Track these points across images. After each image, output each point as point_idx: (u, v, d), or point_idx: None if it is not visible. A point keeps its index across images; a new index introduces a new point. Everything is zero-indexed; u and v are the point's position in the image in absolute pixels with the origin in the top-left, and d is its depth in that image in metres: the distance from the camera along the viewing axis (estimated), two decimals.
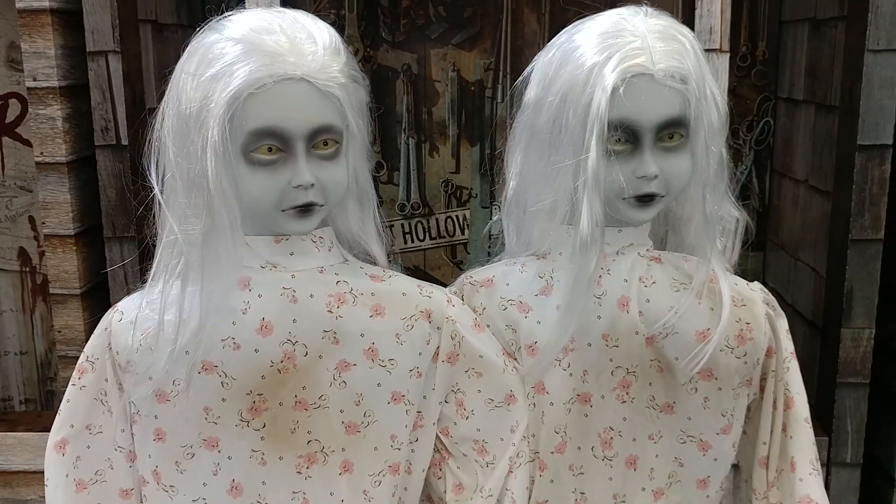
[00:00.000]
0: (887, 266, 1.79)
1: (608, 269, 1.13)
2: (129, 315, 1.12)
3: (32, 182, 2.47)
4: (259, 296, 1.08)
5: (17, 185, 2.48)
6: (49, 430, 1.82)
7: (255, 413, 1.08)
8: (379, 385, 1.11)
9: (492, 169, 2.36)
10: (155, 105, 1.89)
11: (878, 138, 1.71)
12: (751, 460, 1.22)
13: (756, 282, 1.20)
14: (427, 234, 2.50)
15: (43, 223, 1.81)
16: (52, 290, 1.84)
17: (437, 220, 2.50)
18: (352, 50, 2.55)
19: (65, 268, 1.82)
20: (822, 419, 1.88)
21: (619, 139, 1.04)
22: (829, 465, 1.86)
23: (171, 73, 1.06)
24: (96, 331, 1.15)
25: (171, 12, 2.08)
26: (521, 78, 1.16)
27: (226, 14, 1.06)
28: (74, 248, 1.81)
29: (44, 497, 1.89)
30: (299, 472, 1.10)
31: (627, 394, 1.13)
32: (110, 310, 1.15)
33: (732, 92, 2.38)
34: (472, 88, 2.42)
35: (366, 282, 1.13)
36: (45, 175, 1.79)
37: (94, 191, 1.84)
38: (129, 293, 1.17)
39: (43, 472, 1.18)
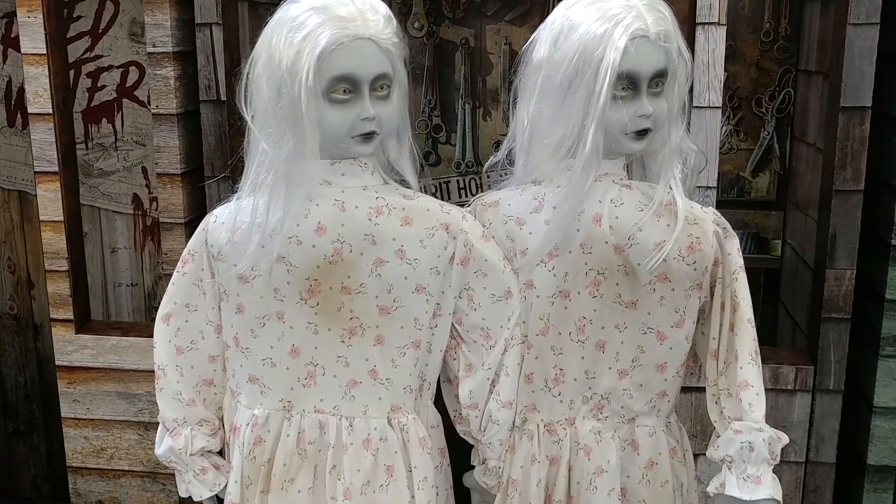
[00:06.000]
0: (868, 214, 2.03)
1: (586, 193, 1.44)
2: (221, 218, 1.48)
3: (146, 137, 2.89)
4: (317, 205, 1.42)
5: (133, 140, 2.92)
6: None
7: (311, 294, 1.43)
8: (406, 278, 1.43)
9: None
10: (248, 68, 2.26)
11: (859, 101, 1.96)
12: (705, 353, 1.50)
13: (711, 207, 1.49)
14: (479, 190, 2.80)
15: (156, 164, 2.20)
16: (161, 220, 2.23)
17: (488, 176, 2.82)
18: (417, 25, 2.88)
19: (172, 201, 2.21)
20: (809, 350, 2.13)
21: (624, 87, 1.35)
22: (815, 391, 2.11)
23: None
24: (197, 230, 1.52)
25: None
26: (525, 45, 1.46)
27: None
28: (181, 184, 2.20)
29: (151, 392, 2.31)
30: (343, 342, 1.44)
31: (598, 290, 1.44)
32: (208, 215, 1.52)
33: (756, 64, 2.62)
34: None
35: (399, 199, 1.46)
36: (159, 124, 2.18)
37: (197, 138, 2.23)
38: None
39: (151, 371, 1.50)
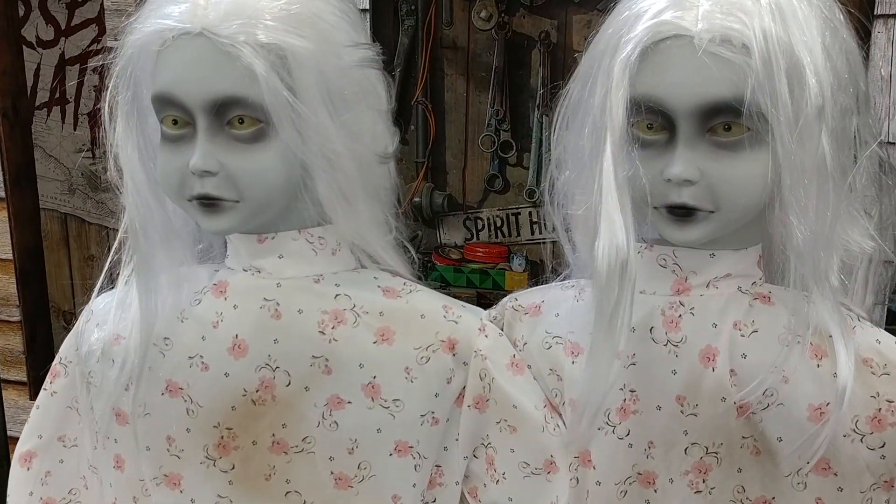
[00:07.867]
0: None
1: (691, 308, 0.83)
2: (96, 316, 0.95)
3: None
4: (235, 306, 0.88)
5: None
6: None
7: (224, 451, 0.89)
8: (379, 430, 0.88)
9: None
10: None
11: None
12: None
13: None
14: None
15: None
16: None
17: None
18: (484, 15, 2.26)
19: None
20: None
21: (651, 124, 0.76)
22: None
23: None
24: (72, 329, 0.99)
25: None
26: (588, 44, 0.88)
27: None
28: None
29: None
30: None
31: (704, 481, 0.83)
32: (86, 307, 0.99)
33: None
34: None
35: (375, 297, 0.90)
36: None
37: None
38: None
39: None
